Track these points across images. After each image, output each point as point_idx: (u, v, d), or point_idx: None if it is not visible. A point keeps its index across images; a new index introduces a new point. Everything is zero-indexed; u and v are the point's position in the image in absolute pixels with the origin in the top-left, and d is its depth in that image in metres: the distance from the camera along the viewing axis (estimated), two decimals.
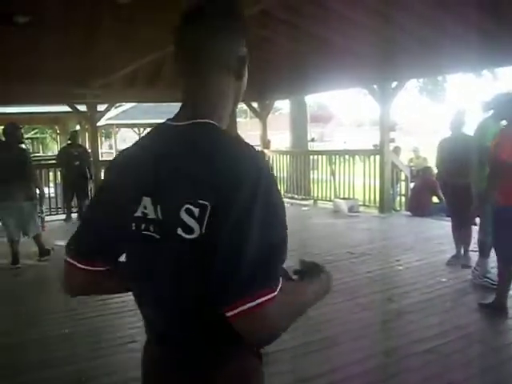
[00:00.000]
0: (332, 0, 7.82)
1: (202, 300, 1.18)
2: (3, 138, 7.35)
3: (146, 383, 1.48)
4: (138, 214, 1.25)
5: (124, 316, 4.83)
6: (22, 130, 7.80)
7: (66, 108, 12.82)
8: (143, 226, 1.24)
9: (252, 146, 1.24)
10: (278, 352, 3.85)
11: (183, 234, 1.15)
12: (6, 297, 5.74)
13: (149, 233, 1.24)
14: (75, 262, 1.35)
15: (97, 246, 1.33)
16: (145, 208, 1.23)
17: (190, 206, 1.13)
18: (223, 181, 1.13)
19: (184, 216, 1.14)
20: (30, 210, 7.04)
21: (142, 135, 1.49)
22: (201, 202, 1.13)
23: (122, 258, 1.36)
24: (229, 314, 1.11)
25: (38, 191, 7.40)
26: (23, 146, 7.93)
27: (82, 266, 1.34)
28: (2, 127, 8.12)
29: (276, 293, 1.11)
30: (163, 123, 1.35)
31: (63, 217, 10.88)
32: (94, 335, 4.46)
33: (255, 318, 1.10)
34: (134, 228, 1.26)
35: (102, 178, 1.39)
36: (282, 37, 8.72)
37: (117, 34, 9.26)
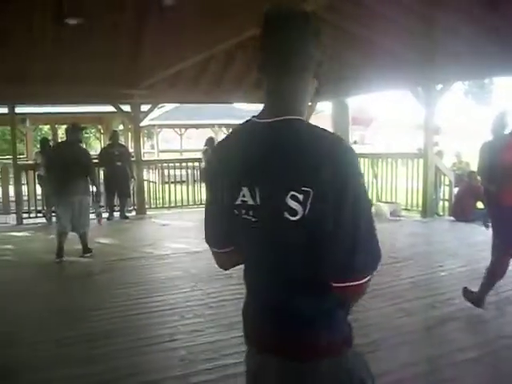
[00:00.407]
0: (374, 1, 7.73)
1: (307, 271, 1.40)
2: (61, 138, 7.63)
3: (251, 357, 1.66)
4: (238, 201, 1.45)
5: (162, 315, 4.90)
6: (83, 131, 8.32)
7: (110, 108, 13.01)
8: (243, 212, 1.45)
9: (335, 134, 1.41)
10: None
11: (289, 217, 1.33)
12: (52, 292, 5.82)
13: (247, 217, 1.44)
14: (215, 249, 1.69)
15: (219, 234, 1.64)
16: (244, 196, 1.43)
17: (295, 193, 1.31)
18: (323, 168, 1.29)
19: (290, 202, 1.32)
20: (84, 206, 7.39)
21: (233, 130, 1.63)
22: (304, 188, 1.30)
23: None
24: (337, 285, 1.36)
25: (95, 188, 8.00)
26: (83, 145, 8.22)
27: (220, 251, 1.67)
28: (65, 126, 8.72)
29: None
30: (250, 120, 1.49)
31: (106, 215, 11.02)
32: (135, 333, 4.49)
33: (361, 292, 1.39)
34: (236, 213, 1.47)
35: (206, 169, 1.63)
36: (324, 37, 8.67)
37: (162, 35, 9.36)
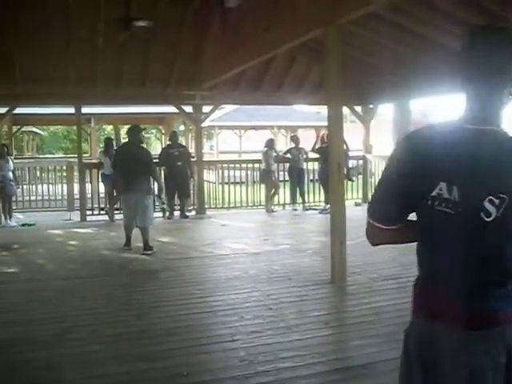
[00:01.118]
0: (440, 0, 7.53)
1: (498, 264, 1.56)
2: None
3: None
4: (434, 193, 1.56)
5: (223, 315, 4.90)
6: (143, 132, 8.59)
7: (171, 109, 13.21)
8: (437, 203, 1.56)
9: None
10: (379, 363, 3.76)
11: (484, 218, 1.50)
12: (113, 289, 5.95)
13: (443, 209, 1.56)
14: (380, 225, 1.72)
15: (396, 212, 1.68)
16: (440, 190, 1.55)
17: (493, 198, 1.48)
18: None
19: (487, 205, 1.49)
20: (146, 204, 7.72)
21: (435, 128, 1.69)
22: (501, 195, 1.48)
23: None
24: None
25: (157, 185, 8.56)
26: (144, 145, 8.69)
27: (385, 227, 1.71)
28: (127, 127, 9.53)
29: None
30: (458, 125, 1.59)
31: (167, 214, 11.19)
32: (195, 331, 4.53)
33: None
34: (429, 203, 1.57)
35: (396, 153, 1.68)
36: (388, 39, 8.51)
37: (225, 37, 9.44)
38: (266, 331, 4.42)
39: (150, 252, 7.65)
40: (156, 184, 8.57)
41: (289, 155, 12.43)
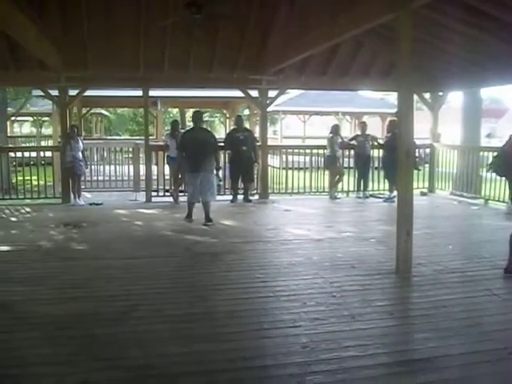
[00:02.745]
0: None
1: None
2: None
3: None
4: None
5: (284, 300, 4.89)
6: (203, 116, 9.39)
7: (236, 93, 13.24)
8: None
9: None
10: (444, 357, 3.68)
11: None
12: (177, 270, 6.05)
13: None
14: None
15: None
16: None
17: None
18: None
19: None
20: (210, 181, 8.63)
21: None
22: None
23: None
24: None
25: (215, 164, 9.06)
26: (207, 128, 9.22)
27: None
28: (192, 110, 10.62)
29: None
30: None
31: (230, 198, 11.27)
32: (258, 315, 4.54)
33: None
34: None
35: None
36: (460, 23, 8.20)
37: (292, 21, 9.36)
38: (329, 319, 4.39)
39: (210, 223, 8.51)
40: (215, 164, 9.09)
41: (354, 142, 12.25)
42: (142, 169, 12.13)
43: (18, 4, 6.91)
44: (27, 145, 25.41)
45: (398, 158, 5.71)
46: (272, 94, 12.01)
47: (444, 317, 4.45)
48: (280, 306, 4.78)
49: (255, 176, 11.75)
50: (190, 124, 37.37)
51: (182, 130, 11.59)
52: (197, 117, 9.13)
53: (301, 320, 4.36)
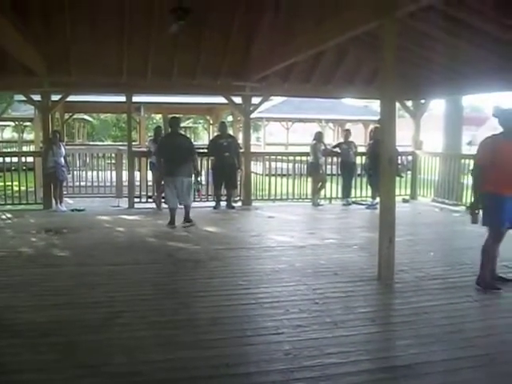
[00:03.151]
0: None
1: None
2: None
3: None
4: None
5: (267, 307, 4.89)
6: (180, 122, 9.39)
7: (220, 99, 13.25)
8: None
9: None
10: (426, 363, 3.71)
11: None
12: (159, 276, 6.03)
13: None
14: None
15: None
16: None
17: None
18: None
19: None
20: (188, 185, 8.88)
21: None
22: None
23: None
24: None
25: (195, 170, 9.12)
26: (183, 133, 9.68)
27: None
28: (170, 117, 10.74)
29: None
30: None
31: (213, 204, 11.26)
32: (240, 322, 4.53)
33: None
34: None
35: None
36: (441, 31, 8.28)
37: (276, 28, 9.40)
38: (312, 326, 4.40)
39: (189, 224, 8.90)
40: (193, 168, 9.09)
41: (338, 149, 12.32)
42: (125, 175, 12.07)
43: (1, 9, 6.86)
44: (8, 150, 25.17)
45: (381, 165, 5.76)
46: (256, 100, 12.05)
47: (426, 323, 4.48)
48: (263, 313, 4.78)
49: (238, 182, 11.74)
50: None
51: None
52: (174, 122, 9.39)
53: (283, 327, 4.37)
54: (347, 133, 12.72)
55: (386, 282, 5.68)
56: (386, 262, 5.73)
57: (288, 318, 4.57)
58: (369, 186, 11.96)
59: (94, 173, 13.72)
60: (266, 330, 4.34)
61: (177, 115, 10.12)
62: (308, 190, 12.57)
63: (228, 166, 10.97)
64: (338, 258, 6.78)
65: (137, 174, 12.13)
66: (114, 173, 13.07)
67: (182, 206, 9.04)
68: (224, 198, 11.39)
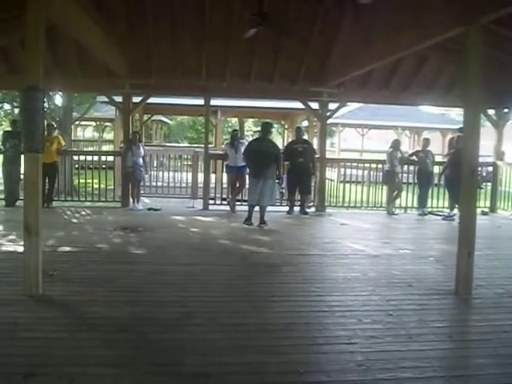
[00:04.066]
0: None
1: None
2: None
3: None
4: None
5: (340, 316, 4.83)
6: (273, 128, 9.76)
7: (295, 104, 13.26)
8: None
9: None
10: None
11: None
12: (232, 279, 6.06)
13: None
14: None
15: None
16: None
17: None
18: None
19: None
20: (271, 186, 9.31)
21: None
22: None
23: None
24: None
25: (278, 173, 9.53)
26: (272, 139, 10.22)
27: None
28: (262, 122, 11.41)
29: None
30: None
31: (286, 209, 11.27)
32: (313, 330, 4.50)
33: None
34: None
35: None
36: None
37: (355, 34, 9.31)
38: (386, 337, 4.31)
39: (264, 225, 9.29)
40: (277, 172, 9.50)
41: (414, 157, 12.05)
42: (200, 176, 12.27)
43: (88, 12, 7.14)
44: (89, 149, 26.09)
45: (463, 176, 5.58)
46: (332, 106, 11.97)
47: (505, 343, 4.29)
48: (335, 321, 4.73)
49: (312, 188, 11.69)
50: (247, 134, 37.77)
51: (242, 140, 11.72)
52: (265, 128, 9.92)
53: (356, 337, 4.29)
54: (426, 141, 12.40)
55: (464, 296, 5.49)
56: (463, 276, 5.54)
57: (361, 328, 4.49)
58: (447, 197, 11.63)
59: (171, 173, 14.00)
60: (338, 339, 4.29)
61: (268, 121, 10.15)
62: (383, 199, 12.37)
63: (302, 172, 10.94)
64: (412, 269, 6.62)
65: (212, 176, 12.29)
66: (189, 174, 13.31)
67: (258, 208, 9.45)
68: (298, 203, 11.37)
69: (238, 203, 11.36)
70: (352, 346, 4.11)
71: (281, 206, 11.42)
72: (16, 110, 18.69)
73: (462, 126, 6.12)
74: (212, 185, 12.05)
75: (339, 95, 11.51)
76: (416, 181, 12.11)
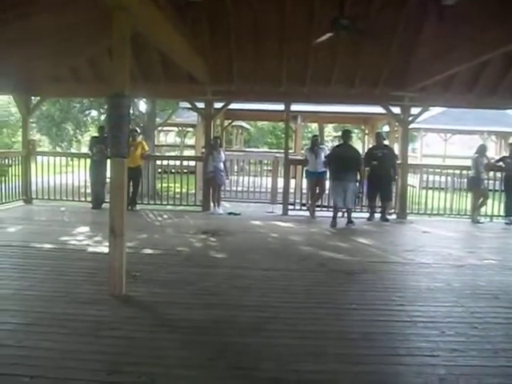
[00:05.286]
0: None
1: None
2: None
3: None
4: None
5: (422, 327, 4.71)
6: (352, 134, 9.79)
7: (375, 109, 13.07)
8: None
9: None
10: None
11: None
12: (311, 285, 6.01)
13: None
14: None
15: None
16: None
17: None
18: None
19: None
20: (353, 189, 10.09)
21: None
22: None
23: None
24: None
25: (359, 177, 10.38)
26: (354, 145, 11.02)
27: None
28: (343, 130, 12.18)
29: None
30: None
31: (367, 215, 11.12)
32: (394, 340, 4.42)
33: None
34: None
35: None
36: None
37: (439, 36, 9.07)
38: (470, 351, 4.15)
39: (351, 225, 10.08)
40: (358, 176, 10.32)
41: (501, 164, 11.57)
42: (280, 181, 12.31)
43: (171, 21, 7.33)
44: (171, 154, 26.71)
45: None
46: (414, 110, 11.70)
47: None
48: (417, 332, 4.61)
49: (393, 194, 11.46)
50: (327, 139, 37.63)
51: (322, 146, 11.67)
52: (346, 135, 10.68)
53: (439, 350, 4.16)
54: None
55: None
56: None
57: (444, 341, 4.35)
58: None
59: (251, 178, 14.12)
60: (419, 350, 4.18)
61: (348, 128, 10.82)
62: (467, 206, 11.95)
63: (383, 177, 10.74)
64: (499, 280, 6.35)
65: (292, 182, 12.30)
66: (269, 179, 13.37)
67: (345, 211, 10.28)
68: (378, 209, 11.20)
69: (318, 209, 11.30)
70: (434, 359, 4.00)
71: (361, 212, 11.27)
72: (103, 117, 19.34)
73: None
74: (291, 190, 12.06)
75: (421, 99, 11.22)
76: (503, 188, 11.62)
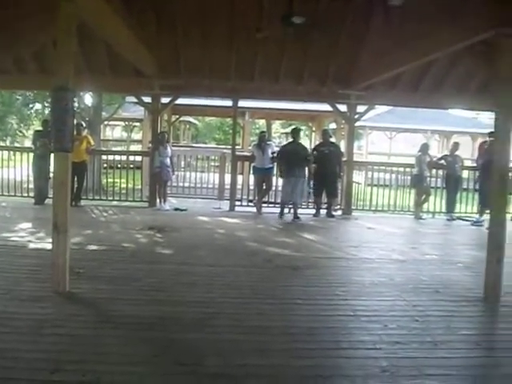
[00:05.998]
0: None
1: None
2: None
3: None
4: None
5: (365, 321, 4.77)
6: (301, 132, 10.05)
7: (323, 107, 13.19)
8: None
9: None
10: None
11: None
12: (257, 281, 6.02)
13: None
14: None
15: None
16: None
17: None
18: None
19: None
20: (302, 186, 10.54)
21: None
22: None
23: None
24: None
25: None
26: (302, 143, 11.49)
27: None
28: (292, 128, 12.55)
29: None
30: None
31: (313, 211, 11.23)
32: (337, 334, 4.47)
33: None
34: None
35: None
36: None
37: (384, 36, 9.22)
38: (411, 344, 4.23)
39: (298, 221, 10.35)
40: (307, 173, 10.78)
41: (443, 162, 11.88)
42: (227, 177, 12.29)
43: (118, 13, 7.20)
44: (117, 148, 26.29)
45: (492, 181, 5.48)
46: (361, 108, 11.87)
47: None
48: (360, 326, 4.67)
49: (339, 191, 11.61)
50: (275, 136, 37.80)
51: (269, 142, 11.72)
52: (295, 133, 11.20)
53: (381, 342, 4.23)
54: (455, 145, 12.21)
55: (492, 304, 5.39)
56: (492, 283, 5.44)
57: (386, 334, 4.43)
58: (475, 202, 11.45)
59: (198, 174, 14.04)
60: (362, 343, 4.24)
61: (298, 127, 11.37)
62: (410, 203, 12.22)
63: (329, 175, 10.88)
64: (440, 275, 6.51)
65: (239, 178, 12.29)
66: (216, 175, 13.33)
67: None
68: (324, 205, 11.31)
69: (265, 205, 11.36)
70: (376, 352, 4.06)
71: (307, 208, 11.38)
72: (47, 110, 18.89)
73: (492, 130, 6.02)
74: (239, 186, 12.04)
75: (367, 98, 11.40)
76: (444, 185, 11.94)
